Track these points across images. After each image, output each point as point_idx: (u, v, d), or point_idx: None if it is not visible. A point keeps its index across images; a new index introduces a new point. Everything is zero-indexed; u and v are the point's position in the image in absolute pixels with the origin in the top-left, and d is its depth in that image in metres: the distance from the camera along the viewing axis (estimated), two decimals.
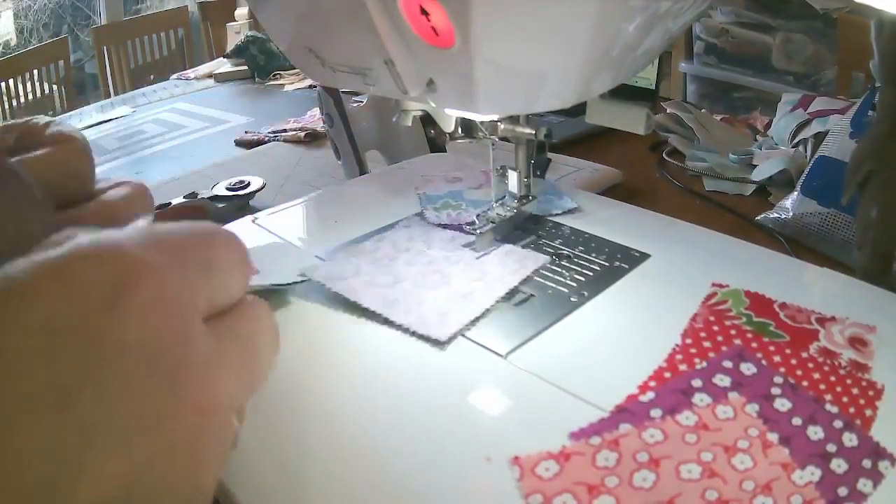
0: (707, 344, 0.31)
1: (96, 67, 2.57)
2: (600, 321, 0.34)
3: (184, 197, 0.66)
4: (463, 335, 0.33)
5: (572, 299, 0.35)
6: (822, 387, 0.28)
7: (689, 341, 0.31)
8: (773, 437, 0.25)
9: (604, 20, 0.28)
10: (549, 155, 0.44)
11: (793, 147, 0.73)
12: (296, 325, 0.35)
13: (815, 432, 0.26)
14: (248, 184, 0.67)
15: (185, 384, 0.18)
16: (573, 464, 0.25)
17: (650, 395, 0.28)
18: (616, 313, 0.34)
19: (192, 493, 0.19)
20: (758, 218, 0.62)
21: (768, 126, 0.83)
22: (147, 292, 0.18)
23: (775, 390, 0.28)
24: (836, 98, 0.77)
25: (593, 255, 0.39)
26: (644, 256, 0.39)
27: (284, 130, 0.98)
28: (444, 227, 0.43)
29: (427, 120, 0.44)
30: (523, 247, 0.41)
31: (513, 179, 0.43)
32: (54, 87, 2.40)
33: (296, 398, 0.30)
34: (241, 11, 2.30)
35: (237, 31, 2.12)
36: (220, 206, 0.65)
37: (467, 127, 0.43)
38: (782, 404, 0.27)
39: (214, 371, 0.19)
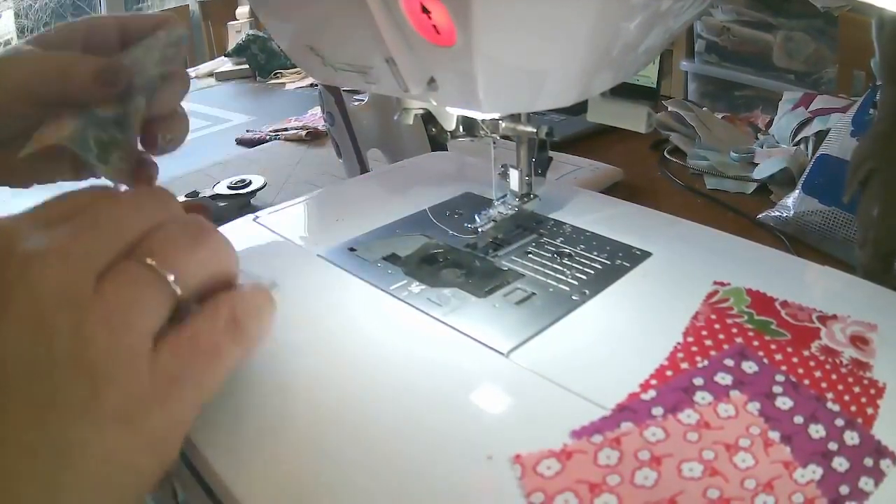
0: (708, 342, 0.31)
1: None
2: (602, 319, 0.34)
3: (185, 196, 0.66)
4: (464, 333, 0.33)
5: (574, 298, 0.35)
6: (824, 385, 0.28)
7: (690, 339, 0.31)
8: (774, 435, 0.25)
9: (605, 19, 0.28)
10: (551, 153, 0.44)
11: (794, 145, 0.73)
12: (295, 323, 0.35)
13: (817, 431, 0.26)
14: (250, 182, 0.67)
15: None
16: (575, 462, 0.25)
17: (651, 393, 0.28)
18: (617, 312, 0.34)
19: None
20: (759, 216, 0.62)
21: (769, 124, 0.83)
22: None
23: (777, 389, 0.28)
24: (837, 96, 0.77)
25: (595, 253, 0.39)
26: (645, 255, 0.39)
27: (286, 129, 0.98)
28: None
29: (428, 118, 0.44)
30: (525, 245, 0.41)
31: (514, 178, 0.43)
32: None
33: (295, 396, 0.30)
34: (243, 10, 2.30)
35: (238, 29, 2.12)
36: (222, 204, 0.65)
37: (468, 125, 0.43)
38: (784, 403, 0.27)
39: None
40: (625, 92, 0.41)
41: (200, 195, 0.65)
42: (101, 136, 0.36)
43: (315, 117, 1.01)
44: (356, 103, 0.70)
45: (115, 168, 0.35)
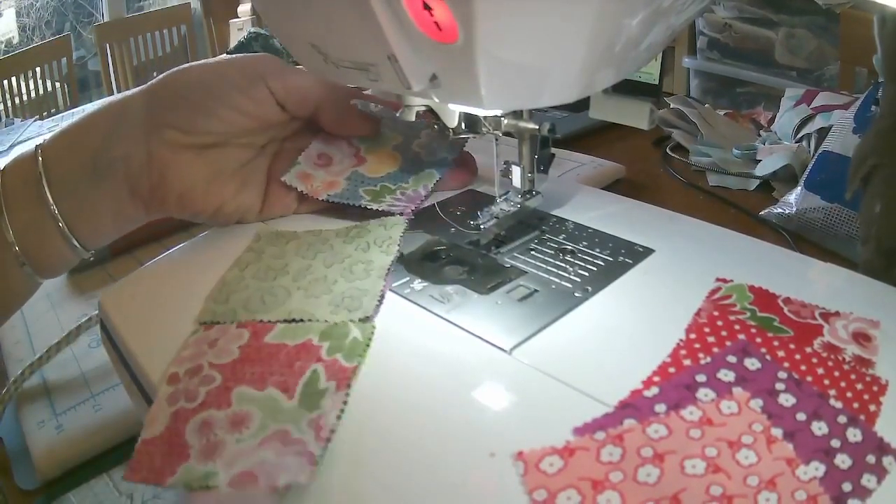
0: (711, 339, 0.31)
1: (99, 65, 2.57)
2: (604, 316, 0.34)
3: None
4: (466, 330, 0.33)
5: (576, 294, 0.35)
6: (827, 382, 0.28)
7: (693, 336, 0.31)
8: (777, 432, 0.25)
9: (607, 16, 0.28)
10: (553, 150, 0.44)
11: (796, 142, 0.73)
12: None
13: (820, 428, 0.26)
14: None
15: None
16: (577, 459, 0.25)
17: (654, 390, 0.28)
18: (620, 309, 0.34)
19: None
20: (761, 213, 0.62)
21: (772, 121, 0.83)
22: None
23: (779, 385, 0.28)
24: (839, 93, 0.77)
25: (597, 250, 0.39)
26: (648, 251, 0.39)
27: None
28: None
29: (430, 115, 0.43)
30: (527, 242, 0.41)
31: (516, 175, 0.43)
32: (57, 84, 2.40)
33: None
34: (244, 8, 2.30)
35: (240, 27, 2.12)
36: None
37: (471, 122, 0.43)
38: (786, 399, 0.27)
39: None
40: (627, 89, 0.41)
41: None
42: (371, 189, 0.44)
43: None
44: None
45: (386, 206, 0.43)
